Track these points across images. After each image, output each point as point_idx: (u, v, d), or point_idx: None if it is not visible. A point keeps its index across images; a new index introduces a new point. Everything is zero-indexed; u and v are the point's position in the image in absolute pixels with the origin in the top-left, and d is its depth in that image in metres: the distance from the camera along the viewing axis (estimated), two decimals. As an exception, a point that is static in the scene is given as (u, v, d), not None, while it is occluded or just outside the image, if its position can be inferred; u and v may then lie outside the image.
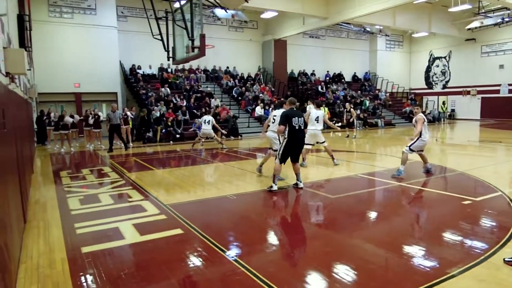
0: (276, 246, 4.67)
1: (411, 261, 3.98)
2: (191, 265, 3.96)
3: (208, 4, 13.04)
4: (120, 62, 19.75)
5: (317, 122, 9.43)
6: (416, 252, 4.20)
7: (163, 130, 16.85)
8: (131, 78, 20.23)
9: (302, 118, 7.04)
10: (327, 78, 27.64)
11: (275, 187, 7.07)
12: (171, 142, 16.45)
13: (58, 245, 4.58)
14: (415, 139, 8.08)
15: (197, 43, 7.68)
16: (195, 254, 4.23)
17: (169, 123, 16.99)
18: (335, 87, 26.46)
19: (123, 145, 14.28)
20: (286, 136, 6.96)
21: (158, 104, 17.98)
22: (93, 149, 14.48)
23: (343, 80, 28.23)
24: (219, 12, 18.21)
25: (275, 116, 8.15)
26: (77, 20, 18.34)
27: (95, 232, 5.01)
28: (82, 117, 15.49)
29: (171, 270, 3.84)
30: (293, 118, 6.85)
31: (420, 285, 3.39)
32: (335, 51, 28.37)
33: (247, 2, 12.62)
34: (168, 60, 9.29)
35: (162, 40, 8.99)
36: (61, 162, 12.18)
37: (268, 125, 8.41)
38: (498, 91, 26.55)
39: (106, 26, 18.79)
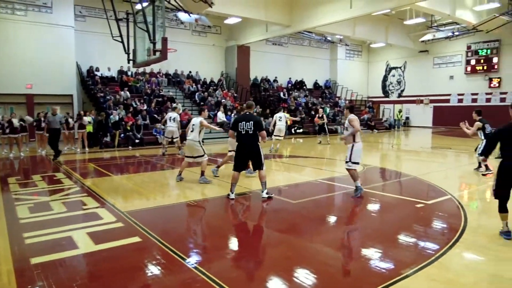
0: (237, 252, 4.64)
1: (368, 263, 4.09)
2: (149, 274, 3.84)
3: (171, 7, 12.86)
4: (76, 63, 19.00)
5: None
6: (373, 255, 4.31)
7: (122, 135, 16.34)
8: (89, 80, 19.49)
9: (252, 122, 6.64)
10: (289, 85, 28.08)
11: (231, 196, 6.87)
12: (130, 147, 15.98)
13: (4, 256, 4.28)
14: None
15: (159, 46, 7.56)
16: (154, 262, 4.11)
17: (128, 128, 16.51)
18: (296, 94, 26.91)
19: (54, 153, 12.40)
20: (236, 141, 6.86)
21: (117, 107, 17.44)
22: (46, 154, 13.77)
23: (304, 87, 28.78)
24: (182, 16, 17.98)
25: (193, 124, 8.62)
26: (31, 18, 17.43)
27: (46, 241, 4.74)
28: (34, 120, 14.64)
29: (127, 280, 3.70)
30: (239, 123, 6.69)
31: (376, 286, 3.49)
32: (297, 59, 28.90)
33: (211, 7, 12.59)
34: (129, 62, 9.06)
35: (122, 42, 8.74)
36: (9, 168, 11.47)
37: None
38: (448, 101, 28.12)
39: (62, 25, 18.01)
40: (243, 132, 6.68)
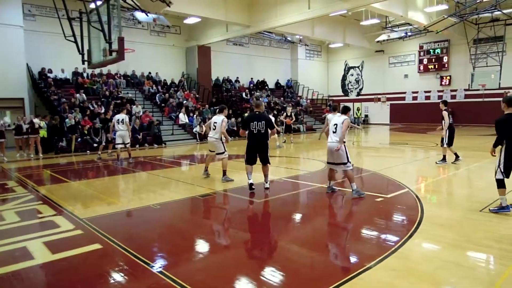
0: (203, 253, 4.58)
1: (333, 258, 4.17)
2: (111, 281, 3.70)
3: (127, 6, 12.48)
4: (27, 65, 18.00)
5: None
6: (336, 249, 4.41)
7: (79, 139, 15.69)
8: (41, 82, 18.53)
9: (263, 122, 7.07)
10: (251, 85, 28.17)
11: (250, 181, 7.34)
12: (88, 151, 15.37)
13: (-51, 272, 3.97)
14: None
15: (115, 46, 7.30)
16: (116, 269, 3.97)
17: (86, 132, 15.89)
18: (258, 94, 27.04)
19: None
20: (247, 139, 7.23)
21: (73, 111, 16.71)
22: (-3, 162, 12.96)
23: (266, 87, 28.99)
24: (139, 15, 17.53)
25: (215, 123, 8.41)
26: (-26, 17, 16.34)
27: (-3, 253, 4.45)
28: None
29: (88, 289, 3.55)
30: (251, 123, 7.05)
31: (340, 279, 3.56)
32: (259, 59, 29.05)
33: (169, 6, 12.35)
34: (83, 63, 8.69)
35: (75, 42, 8.37)
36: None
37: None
38: (404, 98, 29.35)
39: (9, 24, 16.93)
40: (255, 132, 7.02)
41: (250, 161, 7.30)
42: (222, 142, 8.43)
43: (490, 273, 3.76)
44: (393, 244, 4.47)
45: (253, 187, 7.30)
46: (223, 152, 8.44)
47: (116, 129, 11.79)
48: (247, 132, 7.18)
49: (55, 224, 5.56)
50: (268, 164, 7.37)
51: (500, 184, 5.56)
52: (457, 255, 4.16)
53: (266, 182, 7.47)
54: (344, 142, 6.79)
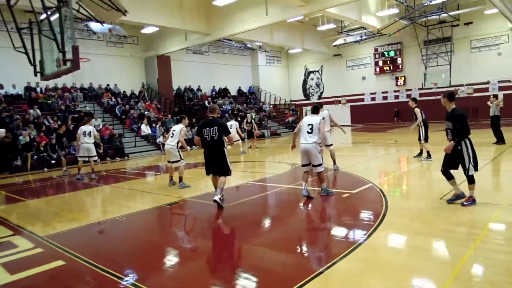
0: (174, 262, 4.47)
1: (304, 254, 4.21)
2: (77, 297, 3.53)
3: (81, 17, 12.09)
4: (-26, 81, 17.00)
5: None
6: (307, 245, 4.45)
7: (35, 157, 14.93)
8: (-10, 99, 17.51)
9: (216, 127, 6.28)
10: (213, 93, 28.08)
11: (215, 197, 6.30)
12: (45, 169, 14.64)
13: None
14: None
15: (69, 55, 7.02)
16: (83, 284, 3.78)
17: (42, 148, 15.16)
18: (221, 101, 27.01)
19: None
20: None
21: (27, 127, 15.90)
22: None
23: (229, 94, 28.99)
24: (94, 26, 17.01)
25: (174, 131, 8.64)
26: None
27: None
28: None
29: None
30: (203, 129, 6.37)
31: (313, 273, 3.60)
32: (219, 67, 29.04)
33: (125, 15, 12.06)
34: (36, 75, 8.26)
35: (26, 53, 7.96)
36: None
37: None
38: (363, 100, 30.32)
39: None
40: (208, 139, 6.33)
41: (209, 170, 6.57)
42: (178, 150, 8.57)
43: (453, 255, 3.93)
44: (361, 236, 4.57)
45: (221, 205, 6.36)
46: (179, 160, 8.58)
47: (82, 141, 10.92)
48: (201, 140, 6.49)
49: (12, 245, 5.24)
50: (224, 176, 6.42)
51: (472, 180, 5.46)
52: (421, 241, 4.32)
53: (217, 195, 6.34)
54: (319, 143, 6.65)
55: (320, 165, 6.66)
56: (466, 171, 5.47)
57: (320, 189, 6.88)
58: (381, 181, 8.28)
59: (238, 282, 3.61)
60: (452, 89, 24.97)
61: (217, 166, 6.42)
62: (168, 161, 8.82)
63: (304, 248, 4.41)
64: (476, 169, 5.47)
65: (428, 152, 10.12)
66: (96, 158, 11.47)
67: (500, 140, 12.37)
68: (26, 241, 5.33)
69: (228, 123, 15.16)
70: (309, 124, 6.66)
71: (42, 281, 3.95)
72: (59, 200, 8.73)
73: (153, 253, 4.70)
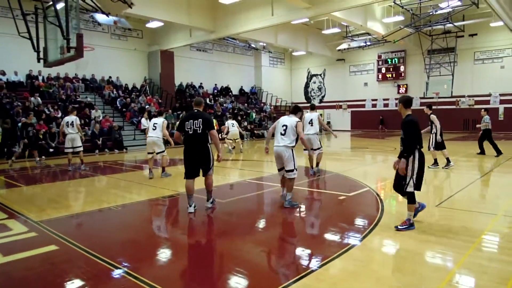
0: (166, 252, 4.46)
1: (302, 252, 4.20)
2: (71, 281, 3.51)
3: (87, 7, 12.07)
4: (-23, 66, 16.96)
5: (311, 126, 9.14)
6: (304, 243, 4.45)
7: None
8: (-8, 85, 17.48)
9: (200, 120, 5.72)
10: (215, 91, 28.08)
11: (189, 209, 5.91)
12: (43, 157, 14.60)
13: None
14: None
15: (73, 43, 7.02)
16: (74, 269, 3.78)
17: (41, 136, 15.13)
18: (222, 99, 27.00)
19: None
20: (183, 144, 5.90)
21: (26, 115, 15.85)
22: None
23: (230, 93, 29.00)
24: (99, 17, 16.92)
25: (155, 123, 9.16)
26: None
27: None
28: None
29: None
30: (186, 122, 5.75)
31: (308, 269, 3.61)
32: (222, 65, 29.04)
33: (131, 7, 12.05)
34: (39, 61, 8.26)
35: (30, 38, 7.96)
36: None
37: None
38: (364, 105, 30.35)
39: (-43, 24, 15.98)
40: (190, 132, 5.69)
41: (190, 173, 5.83)
42: (163, 141, 9.16)
43: (447, 261, 3.93)
44: (355, 238, 4.57)
45: (193, 215, 5.83)
46: (164, 151, 9.20)
47: (66, 132, 10.83)
48: (183, 135, 5.87)
49: (6, 228, 5.23)
50: (210, 175, 5.98)
51: (412, 199, 4.84)
52: (415, 246, 4.31)
53: (208, 200, 6.12)
54: (293, 147, 6.09)
55: (292, 171, 6.03)
56: (405, 186, 4.79)
57: (285, 199, 6.18)
58: (378, 185, 8.28)
59: (229, 276, 3.60)
60: (454, 99, 25.13)
61: (201, 162, 5.80)
62: (149, 153, 9.34)
63: (297, 247, 4.40)
64: (417, 188, 4.77)
65: (435, 160, 10.07)
66: (81, 148, 11.20)
67: (497, 151, 12.34)
68: (20, 225, 5.33)
69: (230, 122, 15.26)
70: (283, 125, 6.09)
71: (34, 264, 3.94)
72: (55, 188, 8.72)
73: (147, 244, 4.69)
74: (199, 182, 6.03)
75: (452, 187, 8.09)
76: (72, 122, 10.83)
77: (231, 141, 15.36)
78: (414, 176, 4.74)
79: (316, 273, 3.56)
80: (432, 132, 9.95)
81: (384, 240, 4.59)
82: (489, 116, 12.60)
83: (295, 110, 6.43)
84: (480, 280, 3.45)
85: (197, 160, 5.80)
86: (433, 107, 10.83)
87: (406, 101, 5.03)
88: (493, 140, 12.58)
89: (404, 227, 4.79)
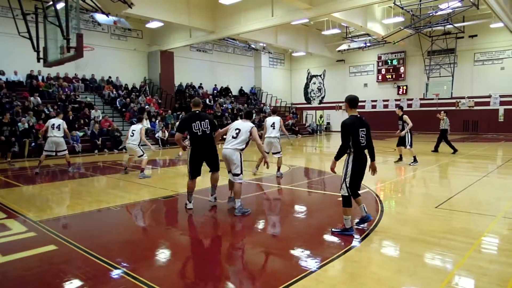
0: (165, 253, 4.45)
1: (301, 253, 4.20)
2: (69, 281, 3.50)
3: (87, 7, 12.07)
4: (-24, 66, 16.95)
5: (273, 129, 9.21)
6: (303, 245, 4.44)
7: (33, 144, 14.90)
8: (-9, 85, 17.46)
9: (207, 121, 5.94)
10: (215, 91, 28.07)
11: (189, 205, 6.14)
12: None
13: None
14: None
15: (73, 43, 7.02)
16: (73, 269, 3.77)
17: (40, 136, 15.11)
18: (222, 100, 27.01)
19: None
20: (189, 145, 6.01)
21: (26, 114, 15.88)
22: None
23: (230, 93, 28.99)
24: (99, 17, 16.95)
25: (133, 130, 9.71)
26: None
27: None
28: None
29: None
30: (193, 124, 5.84)
31: (308, 269, 3.61)
32: (222, 66, 29.04)
33: (131, 7, 12.06)
34: (39, 61, 8.25)
35: (30, 38, 7.96)
36: None
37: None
38: (363, 107, 30.32)
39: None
40: (199, 133, 5.83)
41: (195, 173, 6.01)
42: (140, 147, 9.67)
43: (446, 262, 3.92)
44: (355, 239, 4.57)
45: (190, 210, 6.09)
46: (143, 155, 9.70)
47: (49, 135, 10.37)
48: (188, 136, 5.96)
49: (5, 227, 5.23)
50: (218, 172, 6.25)
51: (346, 202, 4.68)
52: (415, 247, 4.31)
53: (212, 195, 6.35)
54: (242, 150, 5.95)
55: (238, 175, 5.86)
56: (340, 188, 4.74)
57: (234, 203, 5.98)
58: (378, 187, 8.27)
59: (227, 277, 3.60)
60: (454, 101, 25.13)
61: (212, 161, 6.10)
62: (130, 155, 10.15)
63: (296, 248, 4.39)
64: (351, 192, 4.71)
65: (414, 157, 10.91)
66: (65, 152, 10.84)
67: (453, 149, 13.52)
68: (19, 225, 5.32)
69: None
70: (236, 129, 5.97)
71: (33, 264, 3.93)
72: (54, 187, 8.71)
73: (146, 244, 4.69)
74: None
75: (451, 188, 8.08)
76: (59, 125, 10.47)
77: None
78: (347, 180, 4.68)
79: (315, 274, 3.55)
80: (406, 130, 10.88)
81: (383, 241, 4.58)
82: (448, 118, 14.15)
83: (249, 115, 6.48)
84: (479, 282, 3.45)
85: (206, 158, 6.07)
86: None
87: (350, 100, 4.89)
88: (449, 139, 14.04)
89: (338, 230, 4.72)
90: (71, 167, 11.11)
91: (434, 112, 21.95)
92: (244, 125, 6.00)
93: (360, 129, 4.82)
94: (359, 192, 5.00)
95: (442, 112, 14.63)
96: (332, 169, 4.85)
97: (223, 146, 6.04)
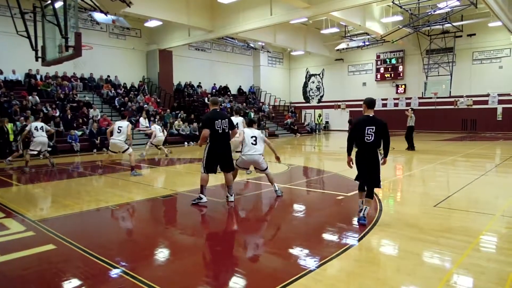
0: (164, 252, 4.44)
1: (299, 252, 4.20)
2: (69, 280, 3.50)
3: (85, 6, 12.04)
4: (-26, 65, 16.90)
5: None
6: (302, 243, 4.44)
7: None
8: (-11, 84, 17.42)
9: (227, 120, 6.33)
10: (214, 90, 28.05)
11: (204, 199, 6.35)
12: (41, 156, 14.54)
13: None
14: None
15: (72, 42, 7.01)
16: (73, 268, 3.76)
17: (18, 139, 15.04)
18: (221, 99, 26.98)
19: None
20: (208, 141, 6.27)
21: (24, 113, 15.84)
22: None
23: (229, 92, 28.97)
24: (98, 16, 16.89)
25: (120, 127, 9.61)
26: None
27: None
28: None
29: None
30: (215, 121, 6.17)
31: (307, 268, 3.61)
32: (221, 65, 29.02)
33: (129, 6, 12.06)
34: (37, 60, 8.25)
35: (28, 37, 7.95)
36: None
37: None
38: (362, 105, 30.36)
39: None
40: (220, 131, 6.20)
41: (211, 169, 6.31)
42: (125, 143, 9.77)
43: (445, 260, 3.93)
44: (353, 238, 4.57)
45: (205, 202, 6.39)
46: (128, 148, 9.78)
47: (35, 136, 10.73)
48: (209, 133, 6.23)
49: (4, 227, 5.21)
50: (232, 172, 6.55)
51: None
52: (414, 246, 4.31)
53: (231, 195, 6.48)
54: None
55: (266, 169, 7.04)
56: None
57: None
58: (377, 185, 8.27)
59: (227, 276, 3.60)
60: (452, 99, 25.16)
61: (227, 161, 6.39)
62: (113, 151, 10.06)
63: (295, 247, 4.40)
64: (359, 183, 5.41)
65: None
66: (49, 149, 11.51)
67: (411, 147, 14.28)
68: (18, 224, 5.31)
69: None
70: (252, 136, 6.89)
71: (31, 263, 3.92)
72: (53, 187, 8.69)
73: (145, 243, 4.68)
74: (190, 182, 6.01)
75: (450, 187, 8.10)
76: (42, 127, 10.95)
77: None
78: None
79: (313, 273, 3.55)
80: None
81: (382, 240, 4.59)
82: (415, 115, 14.90)
83: (252, 123, 7.47)
84: (478, 280, 3.45)
85: (223, 156, 6.33)
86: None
87: (367, 102, 5.50)
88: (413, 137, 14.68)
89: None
90: (51, 161, 11.65)
91: (433, 111, 22.03)
92: (257, 132, 6.97)
93: (368, 127, 5.25)
94: (367, 189, 5.27)
95: (410, 109, 15.43)
96: (348, 163, 5.51)
97: (246, 152, 6.77)
